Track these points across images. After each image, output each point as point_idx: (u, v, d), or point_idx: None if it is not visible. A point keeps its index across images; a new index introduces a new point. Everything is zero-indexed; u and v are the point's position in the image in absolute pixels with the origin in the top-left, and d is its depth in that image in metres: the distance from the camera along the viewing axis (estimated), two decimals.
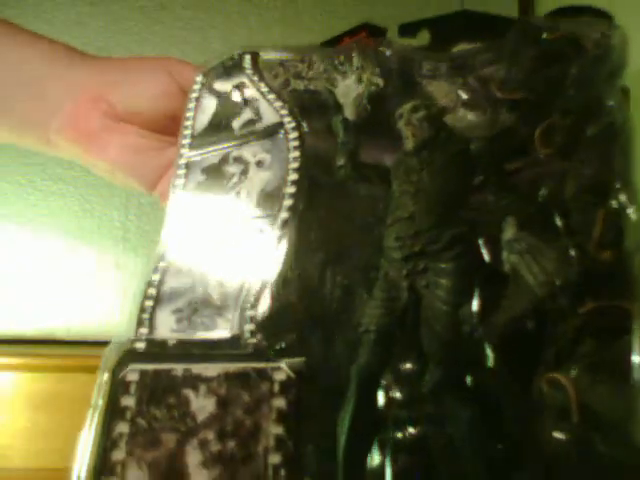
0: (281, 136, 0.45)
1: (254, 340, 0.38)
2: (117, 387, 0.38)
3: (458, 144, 0.43)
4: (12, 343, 0.85)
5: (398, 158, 0.44)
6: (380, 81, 0.48)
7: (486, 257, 0.39)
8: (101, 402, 0.38)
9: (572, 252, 0.38)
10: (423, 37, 0.59)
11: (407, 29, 0.61)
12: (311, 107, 0.48)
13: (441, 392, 0.37)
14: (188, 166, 0.46)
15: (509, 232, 0.39)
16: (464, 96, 0.49)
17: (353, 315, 0.40)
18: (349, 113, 0.47)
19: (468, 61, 0.49)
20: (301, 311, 0.40)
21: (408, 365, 0.38)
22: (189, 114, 0.48)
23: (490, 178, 0.43)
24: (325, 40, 0.64)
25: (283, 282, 0.40)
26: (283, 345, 0.38)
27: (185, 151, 0.47)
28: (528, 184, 0.43)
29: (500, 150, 0.44)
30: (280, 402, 0.36)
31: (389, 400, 0.38)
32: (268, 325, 0.39)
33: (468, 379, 0.38)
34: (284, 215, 0.42)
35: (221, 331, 0.39)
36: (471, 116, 0.48)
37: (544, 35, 0.46)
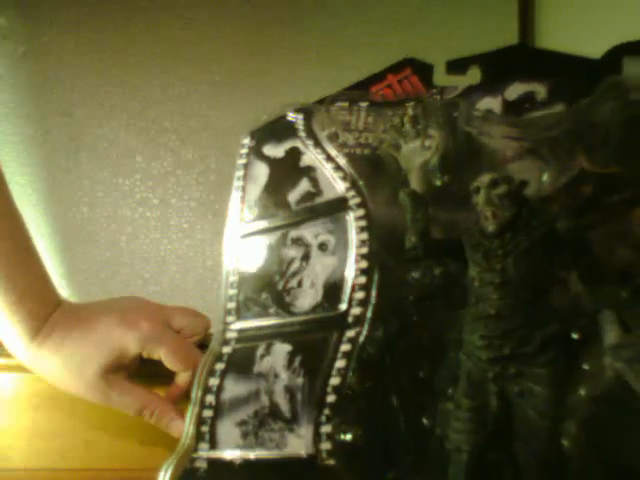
0: (346, 216, 0.40)
1: (331, 461, 0.34)
2: None
3: (543, 224, 0.39)
4: None
5: (476, 239, 0.39)
6: (446, 143, 0.44)
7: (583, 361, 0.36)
8: None
9: None
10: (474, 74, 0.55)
11: (456, 66, 0.56)
12: (372, 172, 0.44)
13: None
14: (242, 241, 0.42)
15: (612, 335, 0.35)
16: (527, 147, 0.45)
17: (434, 422, 0.37)
18: (416, 183, 0.42)
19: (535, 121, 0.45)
20: (382, 425, 0.36)
21: None
22: (238, 183, 0.43)
23: (578, 261, 0.39)
24: (367, 77, 0.59)
25: (358, 390, 0.36)
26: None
27: (236, 227, 0.42)
28: (616, 266, 0.39)
29: (587, 227, 0.40)
30: None
31: None
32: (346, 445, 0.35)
33: None
34: (356, 311, 0.38)
35: (293, 449, 0.35)
36: (545, 177, 0.44)
37: (632, 95, 0.41)
